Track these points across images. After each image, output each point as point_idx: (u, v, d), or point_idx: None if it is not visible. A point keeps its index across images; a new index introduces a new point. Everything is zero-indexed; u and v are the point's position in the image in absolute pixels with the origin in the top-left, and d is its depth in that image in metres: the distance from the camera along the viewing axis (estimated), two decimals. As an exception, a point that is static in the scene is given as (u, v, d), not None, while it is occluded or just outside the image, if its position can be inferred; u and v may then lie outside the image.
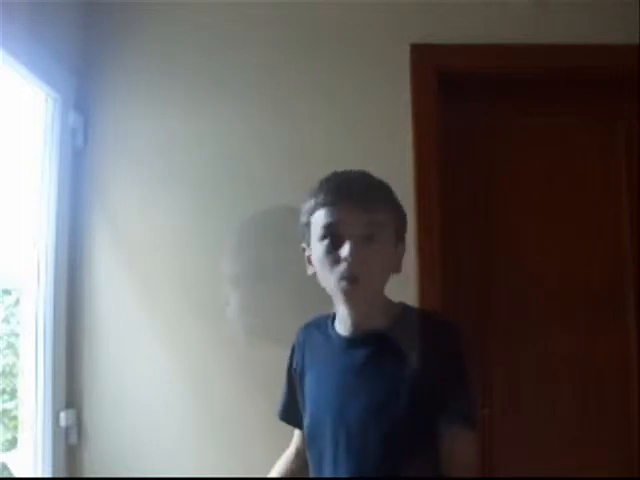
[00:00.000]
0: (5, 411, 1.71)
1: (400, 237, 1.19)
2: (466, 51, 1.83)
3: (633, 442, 1.85)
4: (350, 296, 1.11)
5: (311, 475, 1.23)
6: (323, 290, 1.17)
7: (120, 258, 1.81)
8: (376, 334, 1.15)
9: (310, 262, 1.18)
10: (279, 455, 1.38)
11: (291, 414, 1.31)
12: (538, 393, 1.88)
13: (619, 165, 1.96)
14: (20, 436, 1.69)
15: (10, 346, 1.76)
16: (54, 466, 1.66)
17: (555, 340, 1.89)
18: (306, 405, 1.23)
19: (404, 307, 1.23)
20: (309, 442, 1.21)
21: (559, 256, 1.92)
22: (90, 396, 1.76)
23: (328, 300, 1.19)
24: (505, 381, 1.87)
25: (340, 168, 1.20)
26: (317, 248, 1.13)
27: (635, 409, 1.88)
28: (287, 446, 1.38)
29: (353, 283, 1.09)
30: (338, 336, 1.20)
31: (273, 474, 1.34)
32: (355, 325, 1.17)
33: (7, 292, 1.74)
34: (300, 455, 1.33)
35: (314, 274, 1.17)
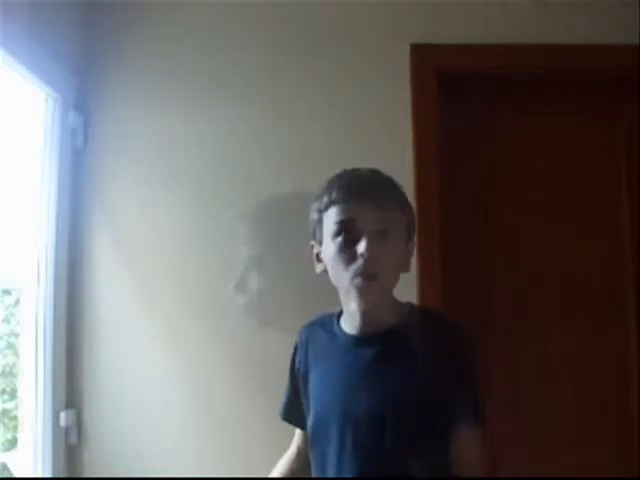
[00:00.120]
0: (5, 411, 1.71)
1: (411, 234, 1.19)
2: (466, 51, 1.83)
3: (633, 442, 1.85)
4: (364, 293, 1.10)
5: (313, 475, 1.22)
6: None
7: (120, 258, 1.81)
8: (384, 333, 1.15)
9: (319, 259, 1.18)
10: (279, 455, 1.38)
11: (293, 414, 1.31)
12: (538, 393, 1.87)
13: (619, 165, 1.95)
14: (20, 436, 1.69)
15: (10, 346, 1.76)
16: (54, 466, 1.66)
17: (555, 340, 1.88)
18: (310, 404, 1.23)
19: (411, 307, 1.23)
20: (313, 441, 1.21)
21: (559, 256, 1.92)
22: (90, 396, 1.76)
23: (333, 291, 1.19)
24: (505, 381, 1.86)
25: (340, 168, 1.20)
26: (330, 245, 1.13)
27: (635, 409, 1.88)
28: (288, 446, 1.38)
29: (370, 280, 1.09)
30: (344, 334, 1.20)
31: (274, 474, 1.34)
32: (364, 323, 1.16)
33: (7, 292, 1.74)
34: (301, 455, 1.33)
35: (323, 272, 1.17)
